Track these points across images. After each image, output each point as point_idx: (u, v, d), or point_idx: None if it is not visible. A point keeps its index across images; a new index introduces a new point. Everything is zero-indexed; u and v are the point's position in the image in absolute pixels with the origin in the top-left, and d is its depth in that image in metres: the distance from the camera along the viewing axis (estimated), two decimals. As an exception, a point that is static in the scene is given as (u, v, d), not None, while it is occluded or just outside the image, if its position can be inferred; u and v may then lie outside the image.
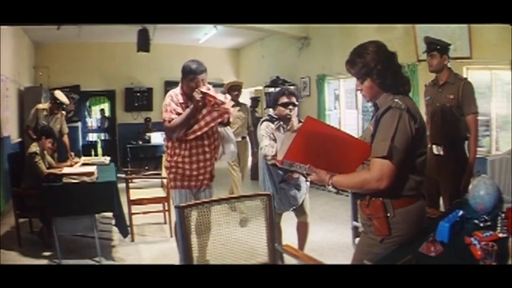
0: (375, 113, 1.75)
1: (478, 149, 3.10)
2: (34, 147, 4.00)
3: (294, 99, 3.04)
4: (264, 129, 3.04)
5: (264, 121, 3.12)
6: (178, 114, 2.79)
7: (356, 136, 1.83)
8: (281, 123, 3.03)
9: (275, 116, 3.07)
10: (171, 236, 4.27)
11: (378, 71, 1.67)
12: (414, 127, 1.62)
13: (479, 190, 1.86)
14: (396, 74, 1.71)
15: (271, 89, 8.18)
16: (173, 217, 4.37)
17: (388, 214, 1.68)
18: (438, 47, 2.97)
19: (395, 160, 1.58)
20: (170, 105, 2.82)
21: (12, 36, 5.90)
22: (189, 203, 1.93)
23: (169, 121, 2.79)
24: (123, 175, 4.76)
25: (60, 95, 4.79)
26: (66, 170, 3.79)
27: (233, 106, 4.44)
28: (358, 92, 1.90)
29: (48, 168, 4.19)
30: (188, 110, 2.78)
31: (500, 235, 1.69)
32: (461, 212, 1.82)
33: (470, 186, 1.96)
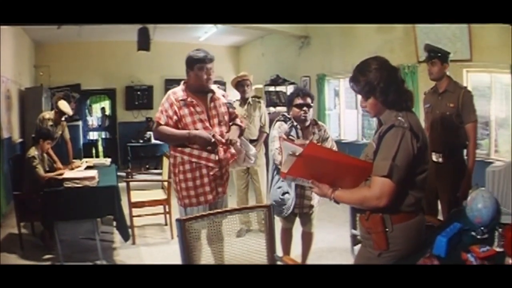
0: (379, 128, 1.77)
1: (477, 151, 3.12)
2: (32, 151, 4.01)
3: (309, 100, 2.93)
4: (277, 129, 2.94)
5: (277, 121, 3.02)
6: (169, 116, 2.60)
7: (359, 143, 1.85)
8: (295, 123, 2.93)
9: (289, 117, 2.97)
10: (172, 238, 4.31)
11: (381, 89, 1.68)
12: (416, 146, 1.63)
13: (477, 203, 1.87)
14: (399, 90, 1.72)
15: (271, 88, 8.18)
16: (174, 219, 4.39)
17: (387, 229, 1.70)
18: (439, 55, 2.97)
19: (395, 179, 1.59)
20: (164, 105, 2.64)
21: (13, 36, 5.89)
22: (190, 216, 1.94)
23: (158, 122, 2.62)
24: (124, 173, 4.78)
25: (63, 105, 4.77)
26: (67, 174, 3.80)
27: (240, 104, 4.42)
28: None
29: (49, 170, 4.21)
30: (184, 133, 2.59)
31: (497, 249, 1.70)
32: (459, 226, 1.84)
33: (469, 198, 1.97)
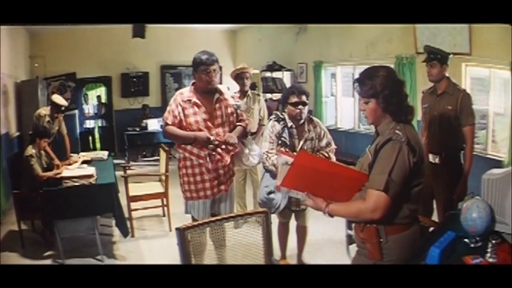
0: (375, 138, 1.79)
1: (474, 146, 3.13)
2: (30, 150, 4.02)
3: (304, 98, 2.90)
4: (269, 128, 2.94)
5: (270, 120, 3.02)
6: (175, 116, 2.73)
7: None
8: (288, 124, 2.92)
9: (282, 116, 2.95)
10: (170, 231, 4.35)
11: (384, 95, 1.70)
12: (413, 160, 1.64)
13: (472, 213, 1.88)
14: (401, 102, 1.73)
15: (268, 74, 8.11)
16: (172, 211, 4.40)
17: (381, 240, 1.74)
18: (439, 56, 2.94)
19: (391, 193, 1.62)
20: (171, 105, 2.77)
21: (7, 28, 5.77)
22: (188, 224, 1.97)
23: (166, 122, 2.77)
24: (121, 161, 4.78)
25: (57, 98, 4.85)
26: (65, 173, 3.81)
27: (239, 97, 4.38)
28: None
29: (47, 167, 4.22)
30: (190, 134, 2.71)
31: (490, 260, 1.73)
32: (453, 235, 1.86)
33: (464, 206, 1.98)
